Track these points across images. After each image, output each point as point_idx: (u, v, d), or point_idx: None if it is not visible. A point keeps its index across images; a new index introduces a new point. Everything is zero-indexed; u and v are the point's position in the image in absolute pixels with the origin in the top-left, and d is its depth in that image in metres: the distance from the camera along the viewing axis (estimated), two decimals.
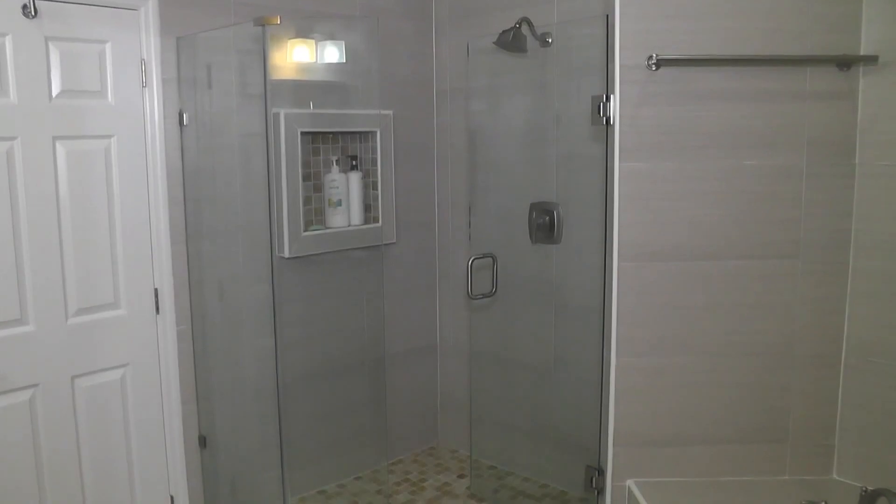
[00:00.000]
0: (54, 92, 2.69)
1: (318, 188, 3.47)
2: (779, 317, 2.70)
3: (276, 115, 3.16)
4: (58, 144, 2.72)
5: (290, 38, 3.27)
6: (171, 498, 3.16)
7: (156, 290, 3.02)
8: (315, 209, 3.46)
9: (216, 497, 3.24)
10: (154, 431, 3.09)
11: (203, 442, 3.20)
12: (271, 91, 2.94)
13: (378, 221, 3.58)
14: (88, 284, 2.84)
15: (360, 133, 3.57)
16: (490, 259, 3.03)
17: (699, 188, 2.62)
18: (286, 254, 3.24)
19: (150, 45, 2.90)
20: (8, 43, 2.58)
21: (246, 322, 3.10)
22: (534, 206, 3.22)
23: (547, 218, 3.17)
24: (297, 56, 3.28)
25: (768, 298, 2.68)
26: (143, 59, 2.90)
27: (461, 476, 3.82)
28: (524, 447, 3.59)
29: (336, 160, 3.48)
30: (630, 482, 2.74)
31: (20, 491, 2.77)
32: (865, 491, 2.40)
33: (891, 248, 2.61)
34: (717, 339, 2.69)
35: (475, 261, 2.95)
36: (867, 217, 2.64)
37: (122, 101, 2.87)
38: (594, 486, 2.78)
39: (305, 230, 3.33)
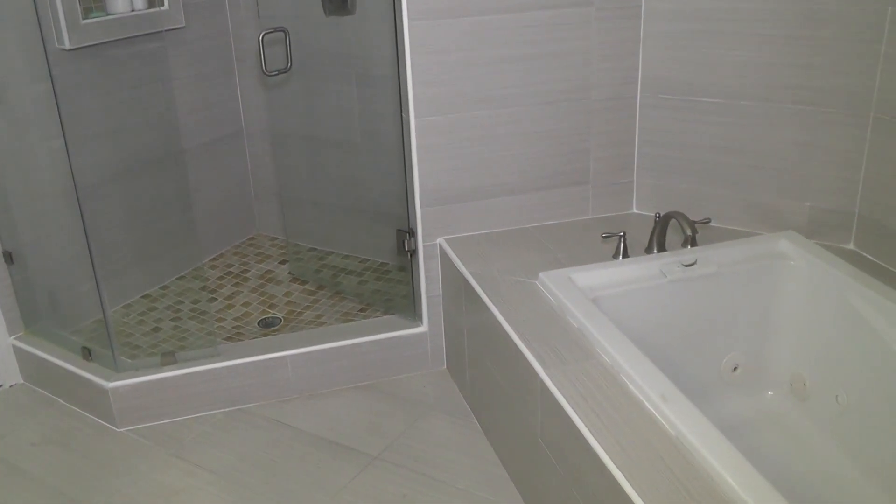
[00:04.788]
0: None
1: None
2: (575, 64, 2.70)
3: None
4: None
5: None
6: None
7: None
8: None
9: (35, 314, 3.13)
10: None
11: (9, 258, 3.04)
12: None
13: (164, 4, 3.32)
14: None
15: None
16: (282, 33, 2.89)
17: None
18: (66, 45, 2.98)
19: None
20: None
21: (33, 123, 2.88)
22: None
23: None
24: None
25: (564, 46, 2.67)
26: None
27: (283, 262, 3.83)
28: (340, 225, 3.60)
29: None
30: (440, 240, 2.79)
31: None
32: (658, 216, 2.52)
33: None
34: (515, 91, 2.69)
35: (266, 35, 2.80)
36: None
37: None
38: (406, 248, 2.82)
39: (85, 17, 3.06)
